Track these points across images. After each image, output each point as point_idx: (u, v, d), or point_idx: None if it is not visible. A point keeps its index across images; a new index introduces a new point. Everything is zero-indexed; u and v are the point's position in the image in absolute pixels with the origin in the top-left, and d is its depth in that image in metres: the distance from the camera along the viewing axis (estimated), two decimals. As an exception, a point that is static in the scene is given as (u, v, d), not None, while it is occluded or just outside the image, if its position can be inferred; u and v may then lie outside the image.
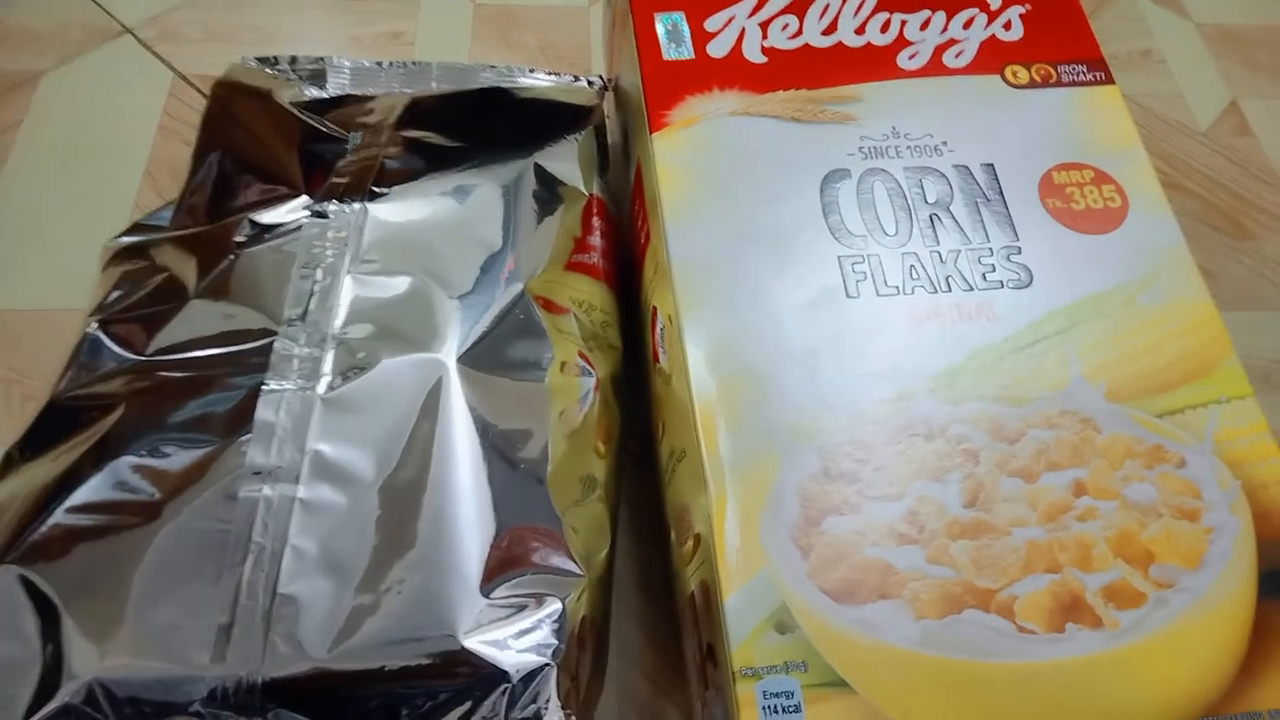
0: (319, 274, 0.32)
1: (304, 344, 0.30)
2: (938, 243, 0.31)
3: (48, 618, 0.25)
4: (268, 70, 0.41)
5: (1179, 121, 0.52)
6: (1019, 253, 0.31)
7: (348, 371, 0.30)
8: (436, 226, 0.34)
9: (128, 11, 0.52)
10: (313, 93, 0.40)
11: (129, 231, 0.37)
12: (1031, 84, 0.35)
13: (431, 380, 0.30)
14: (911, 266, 0.31)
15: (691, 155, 0.33)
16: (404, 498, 0.28)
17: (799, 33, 0.36)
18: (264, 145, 0.37)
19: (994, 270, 0.31)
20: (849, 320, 0.30)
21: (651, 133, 0.33)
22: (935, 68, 0.35)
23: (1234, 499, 0.27)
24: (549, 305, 0.33)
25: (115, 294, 0.34)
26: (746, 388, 0.29)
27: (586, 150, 0.39)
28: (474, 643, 0.26)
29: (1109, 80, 0.36)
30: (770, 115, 0.34)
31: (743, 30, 0.36)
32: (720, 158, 0.33)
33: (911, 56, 0.35)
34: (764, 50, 0.35)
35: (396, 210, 0.34)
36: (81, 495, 0.28)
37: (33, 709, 0.24)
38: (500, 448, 0.29)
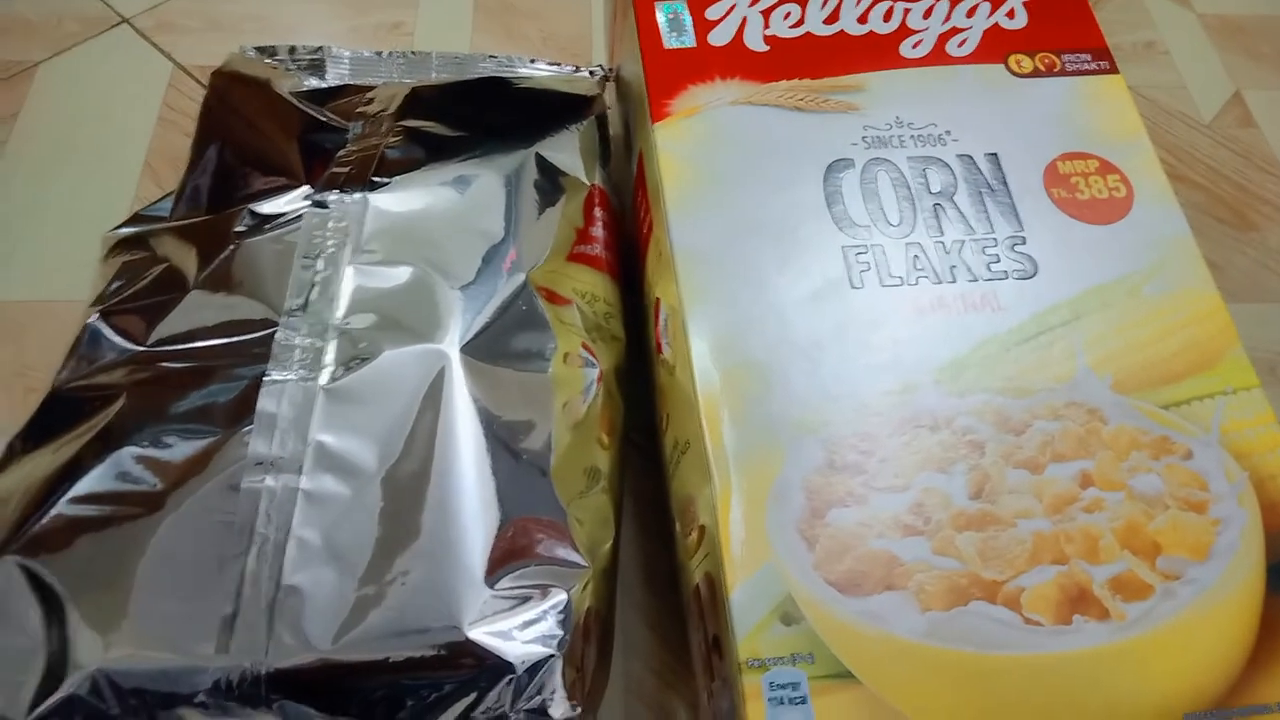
0: (320, 264, 0.32)
1: (305, 334, 0.30)
2: (942, 233, 0.31)
3: (52, 608, 0.25)
4: (267, 60, 0.40)
5: (1182, 113, 0.52)
6: (1024, 243, 0.31)
7: (350, 362, 0.30)
8: (438, 217, 0.34)
9: (125, 1, 0.52)
10: (312, 83, 0.39)
11: (129, 222, 0.37)
12: (1035, 73, 0.35)
13: (434, 371, 0.30)
14: (916, 257, 0.31)
15: (694, 145, 0.33)
16: (407, 489, 0.28)
17: (801, 21, 0.36)
18: (264, 135, 0.37)
19: (999, 261, 0.31)
20: (853, 311, 0.30)
21: (653, 122, 0.33)
22: (938, 56, 0.35)
23: (1241, 490, 0.27)
24: (551, 296, 0.33)
25: (116, 284, 0.33)
26: (750, 379, 0.28)
27: (588, 140, 0.39)
28: (479, 634, 0.26)
29: (1113, 70, 0.35)
30: (773, 104, 0.34)
31: (744, 19, 0.35)
32: (723, 147, 0.33)
33: (915, 45, 0.35)
34: (766, 39, 0.35)
35: (397, 200, 0.34)
36: (84, 486, 0.28)
37: (38, 700, 0.24)
38: (504, 439, 0.29)
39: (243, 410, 0.29)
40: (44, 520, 0.27)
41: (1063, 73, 0.35)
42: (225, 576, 0.26)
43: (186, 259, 0.33)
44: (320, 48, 0.41)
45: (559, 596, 0.27)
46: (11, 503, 0.28)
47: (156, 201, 0.38)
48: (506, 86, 0.38)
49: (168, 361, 0.30)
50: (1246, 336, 0.32)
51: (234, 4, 0.53)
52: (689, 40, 0.35)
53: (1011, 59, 0.35)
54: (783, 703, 0.24)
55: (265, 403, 0.29)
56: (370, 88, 0.39)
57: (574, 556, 0.28)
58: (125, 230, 0.36)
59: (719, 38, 0.35)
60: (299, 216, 0.33)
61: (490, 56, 0.41)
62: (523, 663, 0.26)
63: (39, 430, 0.30)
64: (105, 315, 0.32)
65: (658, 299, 0.33)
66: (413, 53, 0.41)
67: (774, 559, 0.26)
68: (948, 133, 0.33)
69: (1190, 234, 0.32)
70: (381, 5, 0.53)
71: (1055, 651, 0.25)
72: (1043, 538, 0.26)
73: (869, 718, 0.24)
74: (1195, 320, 0.30)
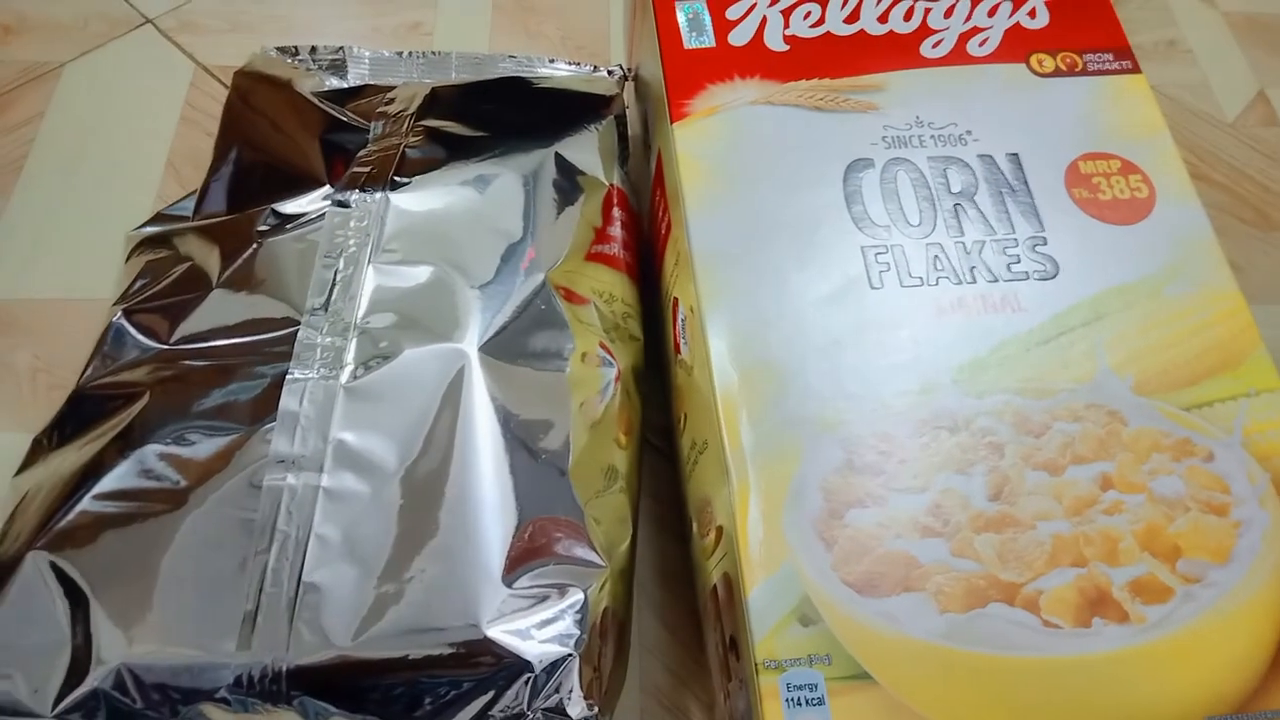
0: (341, 263, 0.32)
1: (327, 333, 0.30)
2: (962, 233, 0.31)
3: (76, 603, 0.26)
4: (288, 60, 0.41)
5: (1205, 112, 0.52)
6: (1045, 243, 0.31)
7: (370, 361, 0.30)
8: (457, 216, 0.34)
9: (148, 2, 0.52)
10: (333, 83, 0.40)
11: (152, 221, 0.37)
12: (1057, 73, 0.35)
13: (453, 370, 0.30)
14: (936, 257, 0.31)
15: (713, 145, 0.33)
16: (426, 487, 0.28)
17: (821, 21, 0.36)
18: (285, 135, 0.37)
19: (1019, 261, 0.31)
20: (872, 311, 0.30)
21: (672, 122, 0.33)
22: (959, 56, 0.35)
23: (1263, 493, 0.27)
24: (570, 295, 0.33)
25: (139, 283, 0.34)
26: (769, 379, 0.28)
27: (607, 140, 0.39)
28: (497, 632, 0.26)
29: (1135, 69, 0.35)
30: (792, 104, 0.34)
31: (764, 19, 0.35)
32: (742, 147, 0.33)
33: (935, 45, 0.35)
34: (786, 39, 0.35)
35: (418, 200, 0.34)
36: (108, 483, 0.28)
37: (64, 693, 0.25)
38: (522, 438, 0.29)
39: (264, 408, 0.29)
40: (69, 516, 0.27)
41: (1084, 72, 0.35)
42: (247, 573, 0.26)
43: (209, 258, 0.33)
44: (341, 48, 0.41)
45: (576, 596, 0.27)
46: (38, 499, 0.28)
47: (179, 201, 0.38)
48: (526, 86, 0.38)
49: (190, 360, 0.31)
50: (1269, 338, 0.31)
51: (255, 4, 0.53)
52: (708, 40, 0.35)
53: (1033, 58, 0.35)
54: (800, 704, 0.24)
55: (287, 401, 0.29)
56: (390, 88, 0.39)
57: (591, 556, 0.28)
58: (148, 229, 0.36)
59: (739, 37, 0.35)
60: (320, 216, 0.34)
61: (510, 56, 0.42)
62: (540, 661, 0.26)
63: (64, 427, 0.30)
64: (129, 314, 0.33)
65: (676, 299, 0.33)
66: (432, 53, 0.42)
67: (792, 559, 0.26)
68: (968, 132, 0.33)
69: (1213, 234, 0.32)
70: (401, 6, 0.54)
71: (1074, 654, 0.25)
72: (1062, 540, 0.26)
73: (886, 719, 0.24)
74: (1217, 321, 0.30)
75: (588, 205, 0.36)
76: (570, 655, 0.26)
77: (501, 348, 0.31)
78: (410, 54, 0.41)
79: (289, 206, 0.34)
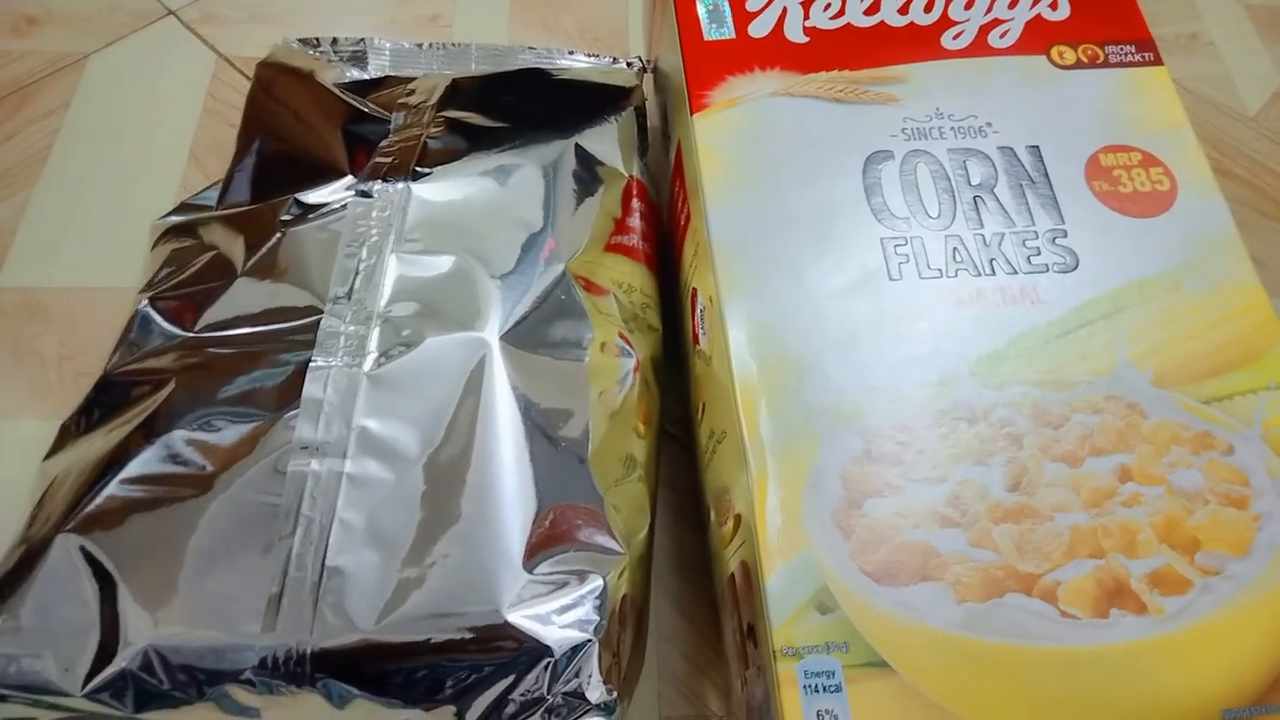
0: (364, 253, 0.32)
1: (350, 321, 0.31)
2: (981, 225, 0.31)
3: (105, 586, 0.26)
4: (310, 52, 0.41)
5: (1227, 105, 0.52)
6: (1064, 236, 0.31)
7: (393, 349, 0.30)
8: (478, 206, 0.34)
9: (171, -7, 0.53)
10: (354, 74, 0.40)
11: (176, 211, 0.37)
12: (1078, 65, 0.35)
13: (475, 358, 0.30)
14: (955, 249, 0.31)
15: (733, 136, 0.33)
16: (448, 473, 0.28)
17: (841, 12, 0.36)
18: (308, 126, 0.38)
19: (1039, 254, 0.31)
20: (891, 303, 0.30)
21: (692, 113, 0.33)
22: (980, 48, 0.35)
23: (1283, 486, 0.27)
24: (589, 286, 0.34)
25: (164, 271, 0.34)
26: (788, 369, 0.29)
27: (626, 131, 0.39)
28: (517, 617, 0.26)
29: (1158, 61, 0.35)
30: (812, 96, 0.34)
31: (784, 10, 0.35)
32: (762, 139, 0.33)
33: (955, 36, 0.35)
34: (806, 30, 0.35)
35: (439, 190, 0.34)
36: (135, 468, 0.28)
37: (93, 673, 0.25)
38: (542, 426, 0.30)
39: (288, 395, 0.29)
40: (97, 500, 0.28)
41: (1106, 64, 0.35)
42: (271, 557, 0.27)
43: (234, 247, 0.34)
44: (362, 40, 0.42)
45: (595, 582, 0.27)
46: (66, 483, 0.29)
47: (202, 191, 0.39)
48: (546, 78, 0.38)
49: (215, 347, 0.31)
50: (1291, 333, 0.31)
51: (276, -4, 0.53)
52: (728, 31, 0.35)
53: (1054, 50, 0.35)
54: (817, 691, 0.24)
55: (311, 388, 0.29)
56: (411, 79, 0.39)
57: (611, 543, 0.28)
58: (173, 218, 0.37)
59: (759, 29, 0.35)
60: (343, 206, 0.34)
61: (529, 48, 0.42)
62: (560, 647, 0.26)
63: (91, 413, 0.31)
64: (154, 301, 0.33)
65: (695, 290, 0.33)
66: (452, 44, 0.42)
67: (810, 548, 0.26)
68: (988, 124, 0.33)
69: (1234, 228, 0.32)
70: (420, -3, 0.54)
71: (1092, 645, 0.25)
72: (1080, 531, 0.26)
73: (904, 707, 0.24)
74: (1238, 315, 0.30)
75: (607, 196, 0.36)
76: (590, 641, 0.26)
77: (522, 337, 0.31)
78: (430, 45, 0.42)
79: (312, 196, 0.35)
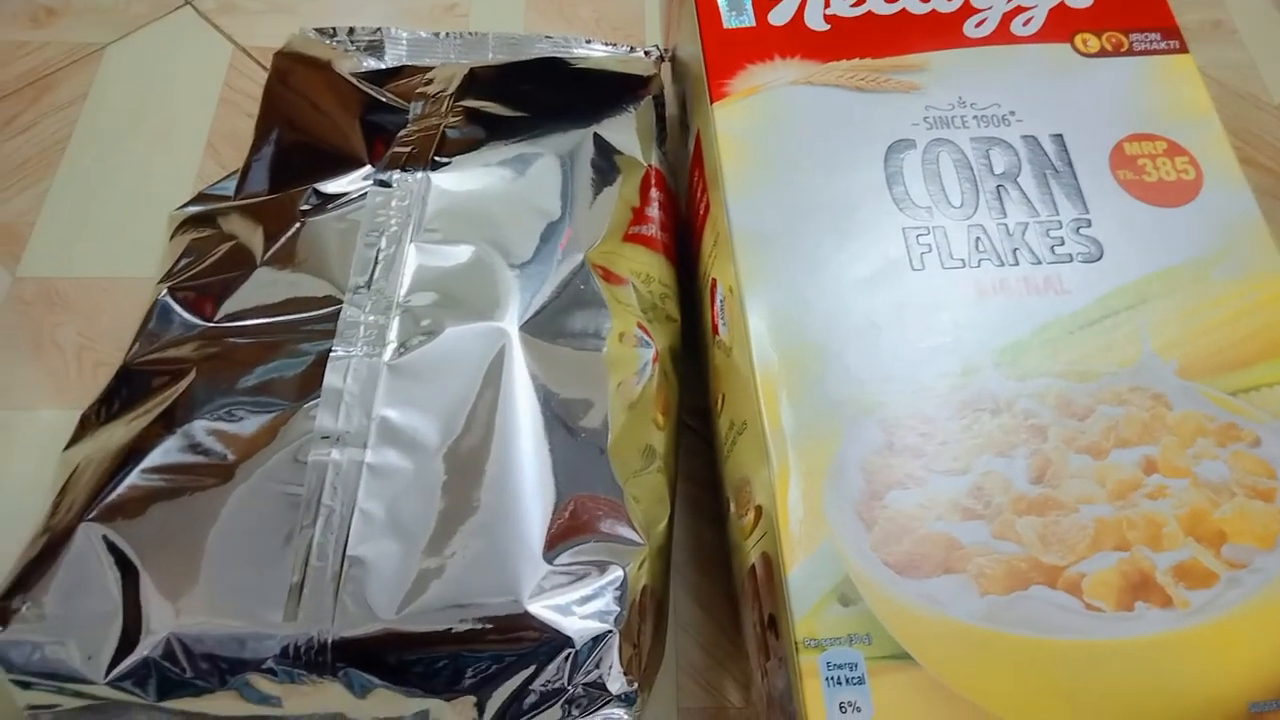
0: (383, 242, 0.32)
1: (370, 311, 0.31)
2: (1005, 215, 0.31)
3: (127, 574, 0.26)
4: (327, 41, 0.41)
5: (1251, 94, 0.51)
6: (1089, 225, 0.31)
7: (413, 339, 0.30)
8: (497, 196, 0.34)
9: (188, -16, 0.53)
10: (371, 64, 0.40)
11: (194, 201, 0.37)
12: (1102, 53, 0.34)
13: (495, 348, 0.30)
14: (978, 239, 0.31)
15: (753, 125, 0.32)
16: (468, 464, 0.28)
17: (862, 0, 0.35)
18: (325, 116, 0.38)
19: (1063, 243, 0.30)
20: (913, 293, 0.30)
21: (712, 102, 0.33)
22: (1003, 36, 0.34)
23: (1311, 479, 0.27)
24: (608, 275, 0.33)
25: (183, 261, 0.34)
26: (809, 360, 0.28)
27: (645, 121, 0.39)
28: (538, 608, 0.26)
29: (1183, 49, 0.35)
30: (833, 84, 0.33)
31: (805, -2, 0.35)
32: (782, 128, 0.32)
33: (978, 24, 0.35)
34: (826, 18, 0.35)
35: (458, 180, 0.34)
36: (156, 457, 0.28)
37: (116, 661, 0.25)
38: (561, 416, 0.30)
39: (309, 385, 0.29)
40: (119, 490, 0.28)
41: (1130, 52, 0.34)
42: (292, 547, 0.27)
43: (253, 236, 0.34)
44: (379, 29, 0.42)
45: (616, 573, 0.27)
46: (88, 473, 0.29)
47: (219, 181, 0.39)
48: (563, 67, 0.38)
49: (235, 337, 0.31)
50: (1317, 323, 0.31)
51: (292, -14, 0.53)
52: (748, 20, 0.35)
53: (1078, 38, 0.35)
54: (840, 682, 0.24)
55: (331, 378, 0.29)
56: (429, 68, 0.39)
57: (631, 534, 0.28)
58: (192, 209, 0.37)
59: (779, 17, 0.35)
60: (362, 195, 0.34)
61: (546, 37, 0.42)
62: (581, 637, 0.26)
63: (112, 403, 0.31)
64: (174, 291, 0.33)
65: (714, 280, 0.33)
66: (469, 33, 0.42)
67: (832, 539, 0.26)
68: (1011, 113, 0.33)
69: (1261, 217, 0.31)
70: (436, -13, 0.54)
71: (1117, 638, 0.25)
72: (1105, 523, 0.26)
73: (926, 699, 0.24)
74: (1265, 305, 0.30)
75: (626, 186, 0.36)
76: (610, 631, 0.26)
77: (541, 327, 0.31)
78: (447, 35, 0.42)
79: (331, 186, 0.35)
